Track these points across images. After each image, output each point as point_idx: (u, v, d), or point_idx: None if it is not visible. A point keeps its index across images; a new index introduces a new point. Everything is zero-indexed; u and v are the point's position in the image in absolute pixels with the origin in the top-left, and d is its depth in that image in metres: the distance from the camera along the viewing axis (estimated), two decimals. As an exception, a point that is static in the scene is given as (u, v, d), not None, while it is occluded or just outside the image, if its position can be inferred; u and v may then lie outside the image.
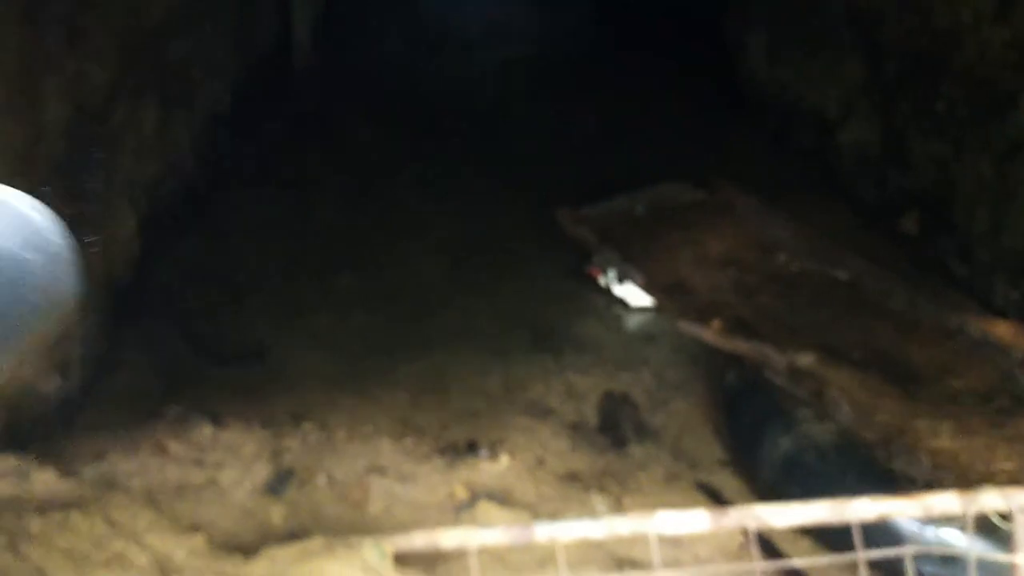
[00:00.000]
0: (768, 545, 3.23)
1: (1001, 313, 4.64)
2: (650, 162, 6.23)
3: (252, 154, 6.42)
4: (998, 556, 2.11)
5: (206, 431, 3.67)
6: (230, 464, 3.25)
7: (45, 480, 2.48)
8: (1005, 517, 2.10)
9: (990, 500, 2.07)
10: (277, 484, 3.16)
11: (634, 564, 3.04)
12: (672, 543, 3.29)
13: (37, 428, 3.72)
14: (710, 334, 4.13)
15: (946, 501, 2.08)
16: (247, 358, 4.58)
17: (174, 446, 3.51)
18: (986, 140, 4.77)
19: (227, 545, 2.57)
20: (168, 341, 4.71)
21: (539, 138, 6.78)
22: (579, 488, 3.61)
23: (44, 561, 1.97)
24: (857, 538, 2.15)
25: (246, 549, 2.44)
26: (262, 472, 3.27)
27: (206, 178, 5.89)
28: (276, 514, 2.95)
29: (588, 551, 3.10)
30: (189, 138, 5.87)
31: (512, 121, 7.10)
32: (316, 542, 2.42)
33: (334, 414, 4.03)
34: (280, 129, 6.73)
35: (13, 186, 0.69)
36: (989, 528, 2.56)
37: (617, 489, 3.63)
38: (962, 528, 2.26)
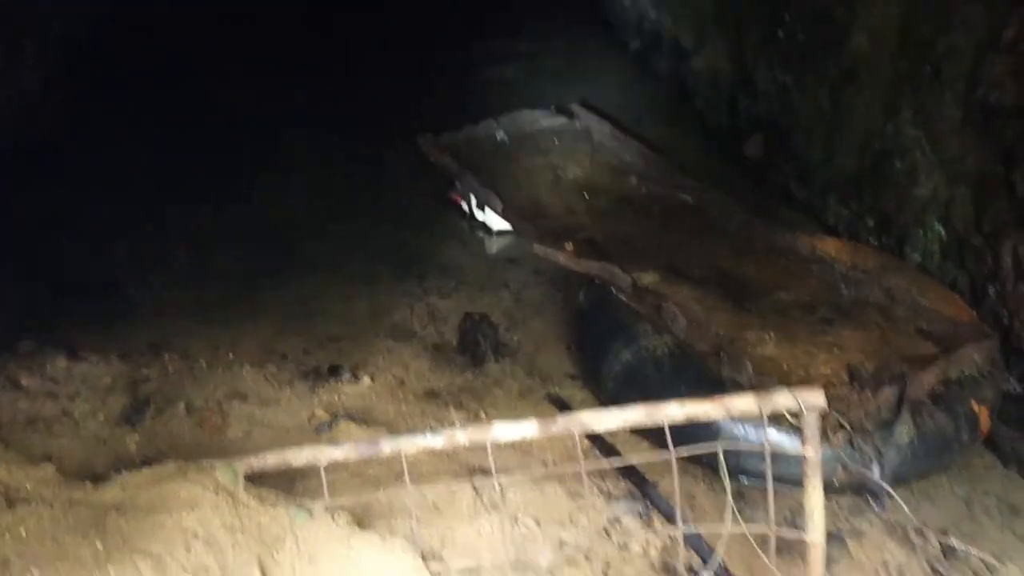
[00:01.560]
0: (612, 451, 3.51)
1: (833, 231, 5.04)
2: (514, 88, 6.35)
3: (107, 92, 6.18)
4: (788, 449, 2.39)
5: (60, 364, 3.65)
6: (85, 396, 3.27)
7: None
8: (796, 416, 2.36)
9: (783, 400, 2.33)
10: (133, 414, 3.20)
11: (485, 472, 3.24)
12: (523, 452, 3.53)
13: None
14: (563, 256, 4.33)
15: (744, 402, 2.33)
16: (103, 291, 4.52)
17: (27, 379, 3.49)
18: (821, 70, 5.08)
19: (79, 474, 2.62)
20: (23, 278, 4.59)
21: (404, 71, 6.76)
22: (438, 405, 3.79)
23: None
24: (669, 438, 2.40)
25: (98, 477, 2.51)
26: (118, 403, 3.30)
27: (57, 120, 5.65)
28: (131, 443, 3.01)
29: (442, 462, 3.29)
30: (40, 74, 5.59)
31: (378, 57, 7.04)
32: (169, 466, 2.49)
33: (195, 344, 4.06)
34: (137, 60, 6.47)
35: None
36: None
37: (475, 404, 3.83)
38: (766, 425, 2.49)
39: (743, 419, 3.07)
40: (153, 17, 6.89)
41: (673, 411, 2.33)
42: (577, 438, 2.45)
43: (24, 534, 2.12)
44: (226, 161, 5.72)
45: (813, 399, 2.27)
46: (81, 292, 4.55)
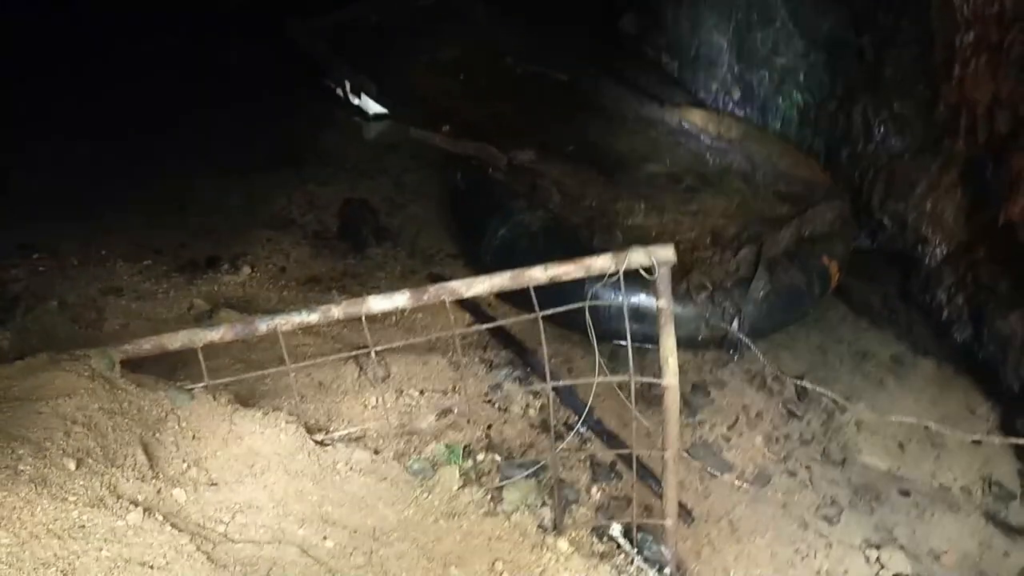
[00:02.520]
0: (486, 317, 3.64)
1: (701, 103, 5.19)
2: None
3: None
4: (644, 303, 2.55)
5: (-80, 270, 3.52)
6: (-52, 299, 3.18)
7: None
8: (649, 271, 2.51)
9: (637, 257, 2.47)
10: (2, 313, 3.13)
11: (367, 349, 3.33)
12: (407, 329, 3.64)
13: None
14: (440, 138, 4.36)
15: (602, 262, 2.46)
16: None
17: None
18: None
19: (-51, 375, 2.59)
20: None
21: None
22: (320, 290, 3.83)
23: None
24: (534, 300, 2.52)
25: (-32, 374, 2.48)
26: (-15, 304, 3.22)
27: None
28: (2, 340, 2.96)
29: (326, 344, 3.37)
30: None
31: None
32: (41, 357, 2.49)
33: (65, 243, 3.94)
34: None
35: None
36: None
37: (357, 288, 3.88)
38: (623, 282, 2.62)
39: (610, 283, 3.22)
40: None
41: (537, 274, 2.44)
42: (454, 309, 2.54)
43: None
44: (84, 49, 5.42)
45: (664, 254, 2.40)
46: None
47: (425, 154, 4.85)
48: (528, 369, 3.47)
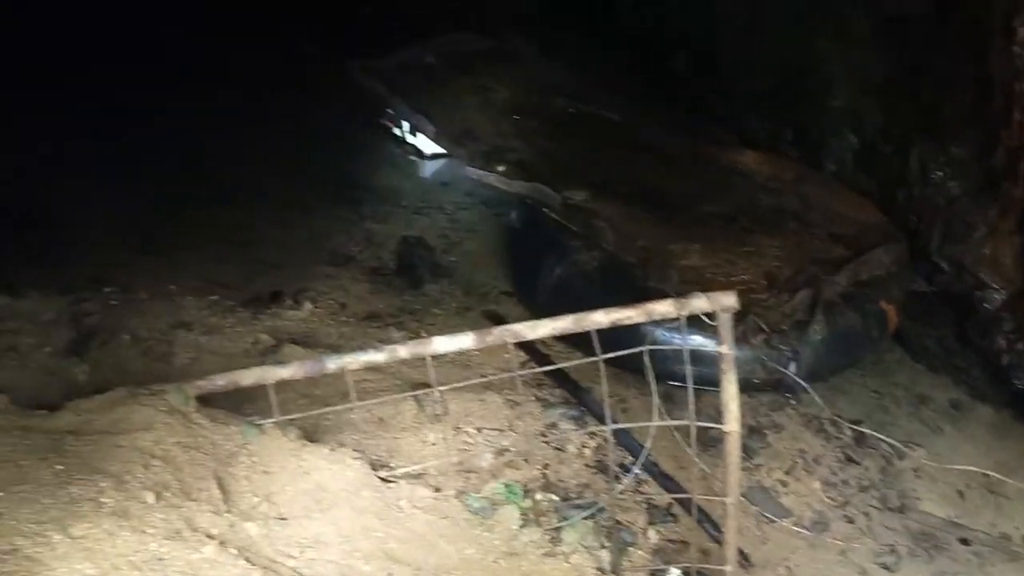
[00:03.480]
0: (547, 361, 3.69)
1: (754, 143, 5.22)
2: (440, 13, 6.33)
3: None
4: (707, 348, 2.58)
5: (1, 301, 3.66)
6: (28, 331, 3.30)
7: None
8: (711, 317, 2.54)
9: (699, 303, 2.51)
10: (79, 346, 3.25)
11: (427, 386, 3.39)
12: (463, 367, 3.69)
13: None
14: (495, 178, 4.45)
15: (664, 306, 2.50)
16: (37, 225, 4.48)
17: (-33, 319, 3.50)
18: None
19: (30, 404, 2.70)
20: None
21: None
22: (379, 326, 3.91)
23: None
24: (596, 343, 2.57)
25: (52, 406, 2.59)
26: (63, 336, 3.34)
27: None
28: (80, 374, 3.06)
29: (386, 380, 3.44)
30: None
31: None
32: (120, 392, 2.58)
33: (135, 277, 4.07)
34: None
35: None
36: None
37: (415, 324, 3.96)
38: (685, 326, 2.65)
39: (668, 325, 3.24)
40: None
41: (599, 318, 2.49)
42: (511, 347, 2.60)
43: (-15, 460, 2.21)
44: (154, 91, 5.62)
45: (726, 300, 2.45)
46: (15, 226, 4.50)
47: (479, 192, 4.94)
48: (583, 408, 3.50)
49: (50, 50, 5.84)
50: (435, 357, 3.46)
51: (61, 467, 2.27)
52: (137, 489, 2.28)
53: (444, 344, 2.58)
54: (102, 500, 2.21)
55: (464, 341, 2.57)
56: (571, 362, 2.91)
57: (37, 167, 4.96)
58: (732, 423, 2.55)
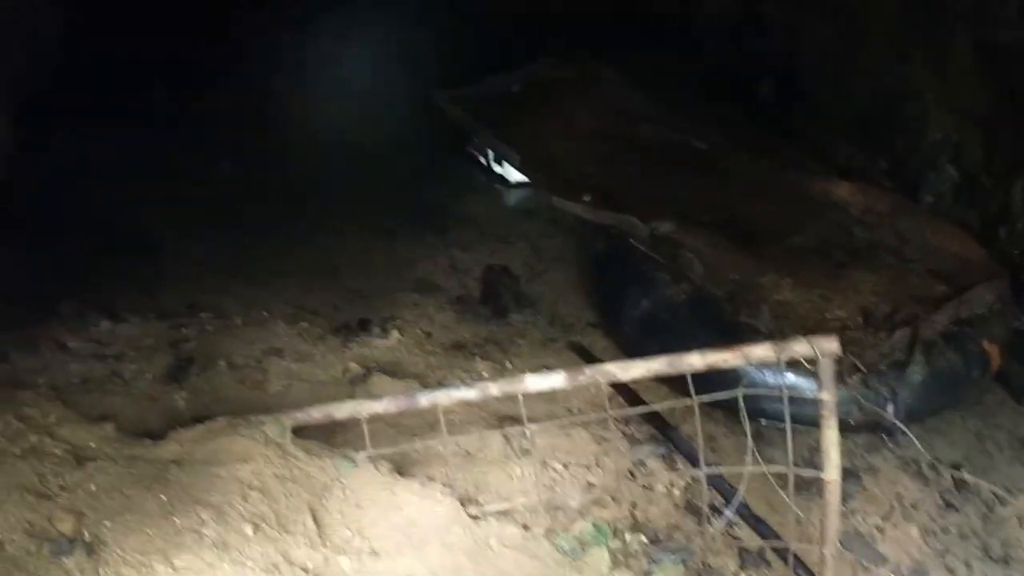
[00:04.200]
0: (634, 396, 3.64)
1: (846, 172, 5.10)
2: (523, 37, 6.39)
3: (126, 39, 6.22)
4: (806, 392, 2.52)
5: (104, 326, 3.80)
6: (131, 357, 3.42)
7: (-50, 386, 2.63)
8: (812, 362, 2.48)
9: (799, 348, 2.45)
10: (178, 372, 3.35)
11: (513, 420, 3.39)
12: (548, 399, 3.68)
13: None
14: (581, 208, 4.43)
15: (762, 351, 2.46)
16: (135, 251, 4.65)
17: (74, 343, 3.64)
18: (829, 11, 5.09)
19: (134, 431, 2.79)
20: (53, 236, 4.72)
21: (416, 26, 6.78)
22: (464, 356, 3.92)
23: (-35, 458, 2.16)
24: (691, 387, 2.53)
25: (154, 433, 2.67)
26: (163, 361, 3.45)
27: (78, 68, 5.70)
28: (180, 400, 3.16)
29: (472, 411, 3.44)
30: (58, 27, 5.64)
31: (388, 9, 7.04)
32: (220, 422, 2.65)
33: (228, 302, 4.19)
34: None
35: None
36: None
37: (499, 355, 3.96)
38: (784, 372, 2.62)
39: (761, 364, 3.18)
40: None
41: (694, 361, 2.45)
42: (603, 387, 2.58)
43: (94, 489, 2.29)
44: (242, 116, 5.80)
45: (828, 346, 2.39)
46: (114, 249, 4.67)
47: (563, 220, 4.93)
48: (671, 446, 3.45)
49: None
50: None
51: (165, 497, 2.34)
52: (236, 521, 2.34)
53: (535, 383, 2.58)
54: (203, 532, 2.27)
55: (555, 380, 2.56)
56: (663, 403, 2.87)
57: (136, 189, 5.14)
58: (832, 471, 2.49)
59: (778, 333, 3.65)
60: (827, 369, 2.40)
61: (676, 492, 3.22)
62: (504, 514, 2.81)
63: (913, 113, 4.54)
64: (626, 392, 3.62)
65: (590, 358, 3.89)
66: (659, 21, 6.54)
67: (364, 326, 4.07)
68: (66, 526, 2.14)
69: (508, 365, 3.89)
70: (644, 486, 3.22)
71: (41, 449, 2.31)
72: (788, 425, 2.48)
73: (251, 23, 6.74)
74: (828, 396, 2.41)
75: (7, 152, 4.74)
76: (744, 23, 6.03)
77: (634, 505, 3.10)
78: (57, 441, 2.39)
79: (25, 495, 2.15)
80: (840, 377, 3.47)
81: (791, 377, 3.27)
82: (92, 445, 2.45)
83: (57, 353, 3.42)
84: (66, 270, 4.52)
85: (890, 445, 3.62)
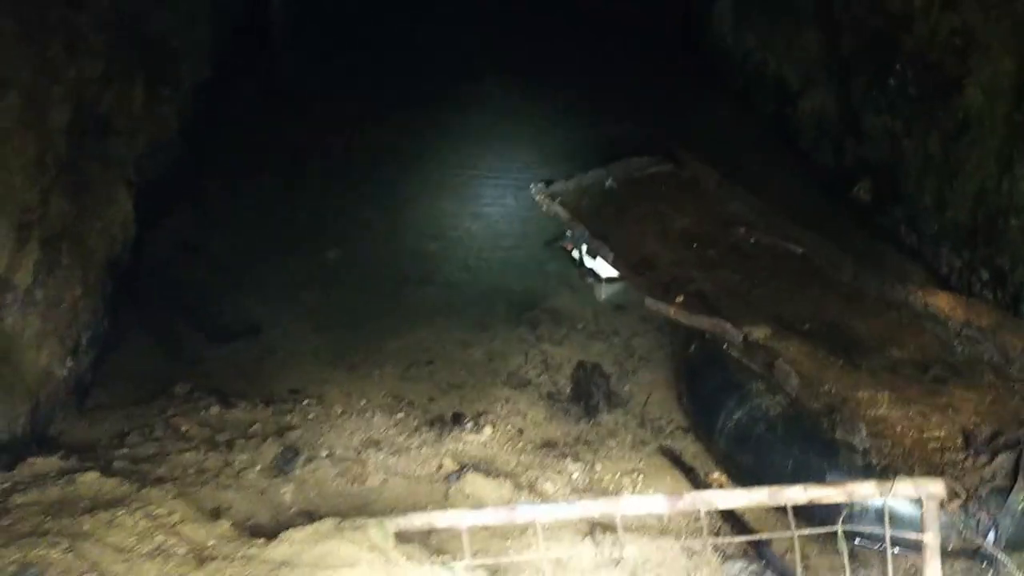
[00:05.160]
0: (731, 513, 3.62)
1: (945, 280, 5.04)
2: (620, 129, 6.54)
3: (234, 126, 6.62)
4: (908, 536, 2.49)
5: (214, 411, 4.00)
6: (240, 445, 3.58)
7: (89, 481, 2.81)
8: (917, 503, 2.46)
9: (903, 488, 2.44)
10: (284, 464, 3.49)
11: (604, 527, 3.41)
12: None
13: (55, 410, 4.03)
14: (673, 310, 4.47)
15: (866, 489, 2.45)
16: (242, 335, 4.88)
17: (187, 426, 3.84)
18: (933, 119, 5.09)
19: (245, 525, 2.92)
20: (166, 319, 5.00)
21: (513, 112, 7.03)
22: (556, 456, 3.97)
23: (100, 557, 2.30)
24: (792, 520, 2.53)
25: (265, 531, 2.79)
26: (270, 451, 3.60)
27: (191, 152, 6.08)
28: (286, 493, 3.29)
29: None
30: (174, 112, 6.06)
31: (486, 96, 7.33)
32: (327, 524, 2.74)
33: (329, 389, 4.36)
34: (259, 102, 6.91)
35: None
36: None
37: (590, 455, 4.00)
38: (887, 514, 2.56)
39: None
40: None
41: (796, 494, 2.45)
42: (703, 515, 2.60)
43: (214, 590, 2.41)
44: (343, 205, 6.08)
45: (934, 489, 2.37)
46: (222, 334, 4.92)
47: (655, 319, 4.97)
48: (763, 563, 3.42)
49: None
50: (606, 489, 3.52)
51: (277, 600, 2.43)
52: (343, 628, 2.41)
53: (635, 505, 2.61)
54: (313, 638, 2.35)
55: (655, 505, 2.59)
56: (763, 534, 2.87)
57: (234, 270, 5.42)
58: (935, 614, 2.44)
59: (875, 451, 3.61)
60: (932, 512, 2.38)
61: (768, 614, 3.19)
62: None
63: (1017, 227, 4.48)
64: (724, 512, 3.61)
65: (682, 465, 3.90)
66: (758, 122, 6.63)
67: (458, 420, 4.17)
68: (188, 629, 2.26)
69: (598, 468, 3.92)
70: (736, 605, 3.20)
71: (167, 549, 2.45)
72: (890, 569, 2.45)
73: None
74: (932, 539, 2.38)
75: (132, 235, 5.07)
76: (842, 124, 6.06)
77: (725, 625, 3.08)
78: (181, 540, 2.52)
79: (151, 598, 2.28)
80: (940, 501, 3.42)
81: (891, 501, 3.23)
82: (211, 544, 2.58)
83: (173, 440, 3.60)
84: (176, 352, 4.78)
85: (990, 574, 3.52)
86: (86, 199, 4.37)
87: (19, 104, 3.72)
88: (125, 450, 3.45)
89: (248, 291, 5.32)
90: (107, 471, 2.97)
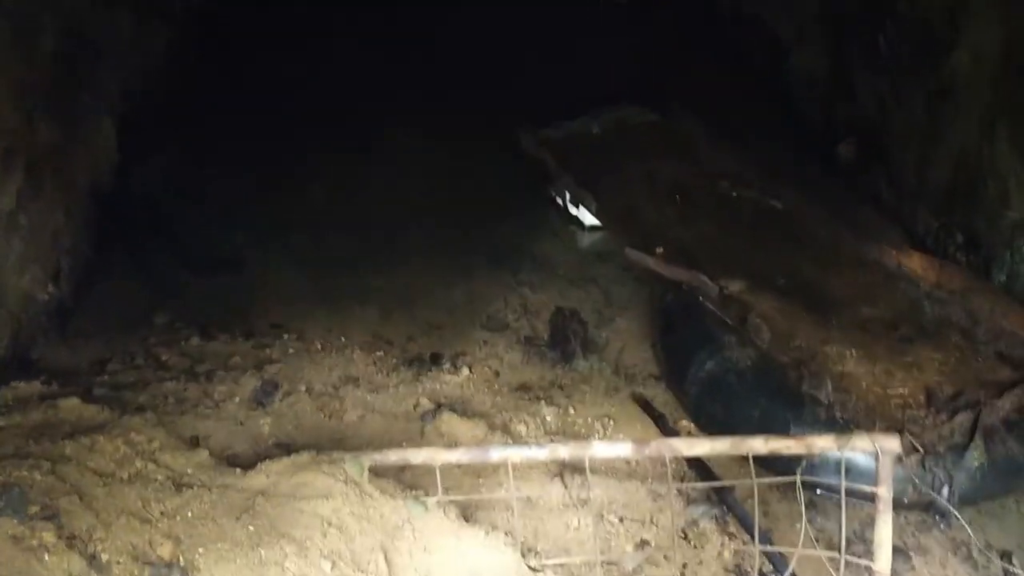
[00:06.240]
0: (696, 461, 3.73)
1: (921, 241, 5.11)
2: (611, 77, 6.51)
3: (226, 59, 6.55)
4: (865, 488, 2.60)
5: (194, 342, 4.05)
6: (219, 376, 3.64)
7: (70, 407, 2.87)
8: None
9: (860, 443, 2.55)
10: (263, 396, 3.56)
11: (573, 469, 3.50)
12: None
13: (36, 335, 4.07)
14: (653, 262, 4.53)
15: (824, 443, 2.55)
16: (227, 269, 4.91)
17: (166, 355, 3.89)
18: (920, 80, 5.11)
19: (223, 455, 3.00)
20: (150, 250, 5.01)
21: (503, 60, 6.96)
22: (530, 399, 4.05)
23: (80, 481, 2.38)
24: (752, 469, 2.63)
25: (243, 461, 2.87)
26: (249, 383, 3.67)
27: (180, 84, 6.02)
28: (264, 425, 3.37)
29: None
30: (163, 43, 5.99)
31: (472, 41, 7.24)
32: (304, 456, 2.83)
33: (310, 326, 4.42)
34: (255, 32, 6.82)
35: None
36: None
37: (564, 400, 4.08)
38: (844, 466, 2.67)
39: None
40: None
41: (757, 445, 2.56)
42: (669, 461, 2.70)
43: (190, 516, 2.49)
44: (333, 148, 6.06)
45: (889, 444, 2.47)
46: (206, 267, 4.95)
47: (634, 267, 5.03)
48: (724, 508, 3.54)
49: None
50: (578, 434, 3.62)
51: (252, 528, 2.52)
52: (316, 557, 2.51)
53: (603, 450, 2.71)
54: (286, 565, 2.45)
55: (622, 450, 2.70)
56: (725, 482, 2.97)
57: (221, 203, 5.43)
58: (883, 563, 2.57)
59: (839, 405, 3.72)
60: (886, 467, 2.49)
61: (727, 555, 3.31)
62: (561, 566, 2.95)
63: (994, 193, 4.55)
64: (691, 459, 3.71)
65: (652, 412, 4.00)
66: (750, 78, 6.61)
67: (436, 360, 4.24)
68: (165, 551, 2.34)
69: (571, 411, 4.01)
70: (696, 547, 3.32)
71: (145, 474, 2.52)
72: (843, 518, 2.56)
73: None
74: (885, 492, 2.49)
75: (115, 162, 5.06)
76: (832, 83, 6.06)
77: (684, 566, 3.20)
78: (159, 467, 2.60)
79: (131, 519, 2.35)
80: (898, 456, 3.54)
81: (850, 454, 3.34)
82: (189, 472, 2.65)
83: (154, 369, 3.66)
84: (159, 283, 4.81)
85: (942, 526, 3.66)
86: (72, 126, 4.35)
87: (7, 28, 3.69)
88: (106, 377, 3.51)
89: (234, 227, 5.34)
90: (88, 397, 3.03)
